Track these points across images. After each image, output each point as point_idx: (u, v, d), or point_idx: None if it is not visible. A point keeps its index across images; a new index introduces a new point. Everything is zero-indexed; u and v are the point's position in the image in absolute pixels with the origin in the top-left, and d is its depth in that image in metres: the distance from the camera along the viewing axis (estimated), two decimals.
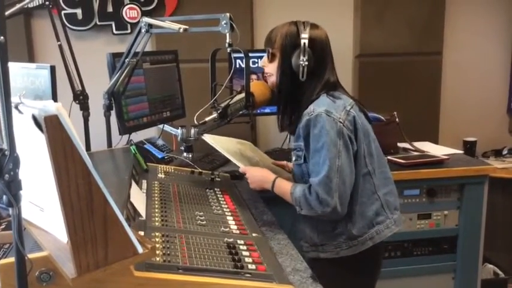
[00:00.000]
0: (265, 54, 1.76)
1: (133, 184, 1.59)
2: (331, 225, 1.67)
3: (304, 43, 1.63)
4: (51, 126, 0.82)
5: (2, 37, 0.79)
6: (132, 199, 1.42)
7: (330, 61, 1.72)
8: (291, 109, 1.74)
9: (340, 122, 1.58)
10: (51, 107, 0.83)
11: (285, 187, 1.69)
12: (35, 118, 0.88)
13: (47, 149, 0.83)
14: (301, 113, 1.65)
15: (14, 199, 0.83)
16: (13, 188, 0.83)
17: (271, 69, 1.74)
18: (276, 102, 1.80)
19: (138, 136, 2.36)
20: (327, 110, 1.58)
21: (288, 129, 1.80)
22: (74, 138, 0.84)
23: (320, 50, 1.67)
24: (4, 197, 0.83)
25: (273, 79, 1.75)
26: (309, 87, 1.68)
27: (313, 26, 1.69)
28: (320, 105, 1.60)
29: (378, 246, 1.70)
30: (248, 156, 2.05)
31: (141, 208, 1.45)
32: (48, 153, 0.84)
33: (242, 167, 1.83)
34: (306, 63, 1.63)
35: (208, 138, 1.88)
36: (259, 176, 1.78)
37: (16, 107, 0.93)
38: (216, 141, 1.91)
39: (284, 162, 2.10)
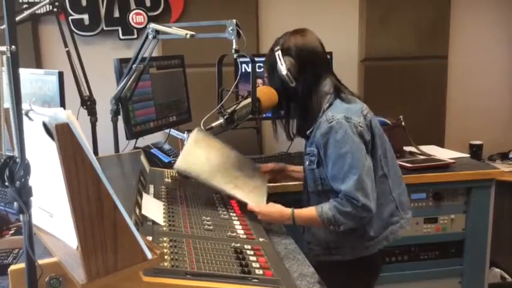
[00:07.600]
0: None
1: (145, 193, 1.58)
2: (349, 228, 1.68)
3: (278, 54, 1.70)
4: (62, 134, 0.83)
5: (13, 46, 0.80)
6: (144, 208, 1.42)
7: (319, 61, 1.73)
8: (301, 115, 1.76)
9: (360, 126, 1.61)
10: (62, 114, 0.84)
11: (307, 215, 1.66)
12: (45, 125, 0.89)
13: (58, 156, 0.84)
14: (312, 118, 1.69)
15: (25, 206, 0.84)
16: (24, 194, 0.83)
17: None
18: (283, 113, 1.83)
19: (144, 141, 2.37)
20: (345, 116, 1.61)
21: (300, 134, 1.82)
22: (84, 146, 0.85)
23: (298, 52, 1.69)
24: (15, 203, 0.84)
25: None
26: (308, 90, 1.70)
27: (296, 32, 1.72)
28: (338, 112, 1.63)
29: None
30: (235, 172, 1.83)
31: (158, 217, 1.44)
32: (58, 160, 0.85)
33: (250, 206, 1.68)
34: (285, 69, 1.68)
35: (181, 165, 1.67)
36: (276, 214, 1.68)
37: (26, 114, 0.94)
38: (190, 166, 1.67)
39: (270, 166, 2.01)
